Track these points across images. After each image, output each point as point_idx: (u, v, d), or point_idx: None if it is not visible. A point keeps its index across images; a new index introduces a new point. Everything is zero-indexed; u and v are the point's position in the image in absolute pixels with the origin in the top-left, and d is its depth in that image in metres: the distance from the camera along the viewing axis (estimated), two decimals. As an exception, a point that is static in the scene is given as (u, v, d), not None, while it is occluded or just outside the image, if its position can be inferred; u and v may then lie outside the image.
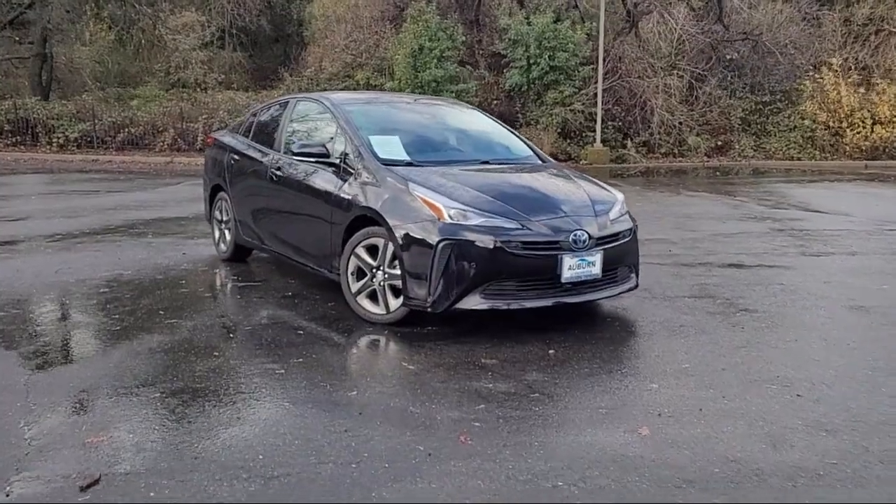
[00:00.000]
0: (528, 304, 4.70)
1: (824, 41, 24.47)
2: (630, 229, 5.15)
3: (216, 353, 4.43)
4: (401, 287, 4.85)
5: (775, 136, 22.53)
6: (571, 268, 4.67)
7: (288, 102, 6.52)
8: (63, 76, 26.73)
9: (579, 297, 4.82)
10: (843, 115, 21.49)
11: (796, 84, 23.12)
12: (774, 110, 22.99)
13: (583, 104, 21.60)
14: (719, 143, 22.43)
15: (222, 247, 7.26)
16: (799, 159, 21.46)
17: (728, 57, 24.13)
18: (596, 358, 4.44)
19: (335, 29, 26.88)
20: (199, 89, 24.48)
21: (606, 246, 4.87)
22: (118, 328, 4.93)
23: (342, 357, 4.52)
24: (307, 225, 5.72)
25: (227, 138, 7.27)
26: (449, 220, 4.60)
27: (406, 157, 5.39)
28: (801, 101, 22.63)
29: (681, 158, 21.56)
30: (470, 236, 4.54)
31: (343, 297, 5.29)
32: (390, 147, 5.45)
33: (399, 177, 5.01)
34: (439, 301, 4.61)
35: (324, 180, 5.49)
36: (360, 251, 5.07)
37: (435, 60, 20.77)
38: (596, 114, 20.98)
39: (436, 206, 4.68)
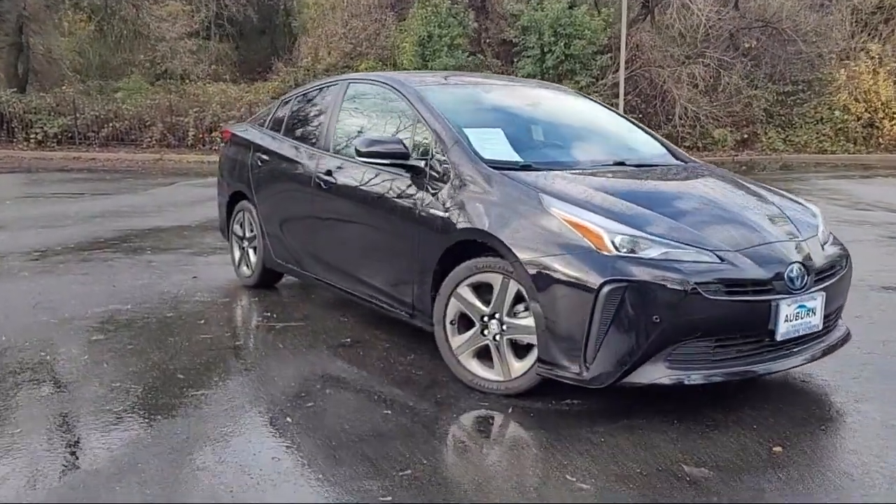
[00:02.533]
0: (730, 374, 3.23)
1: (833, 30, 23.16)
2: (845, 257, 3.71)
3: (275, 458, 2.93)
4: (528, 344, 3.39)
5: (802, 127, 21.23)
6: (788, 318, 3.22)
7: (337, 87, 4.99)
8: (41, 67, 24.91)
9: (797, 358, 3.37)
10: (878, 106, 20.16)
11: (819, 74, 21.80)
12: (798, 101, 21.67)
13: (600, 95, 20.13)
14: (745, 136, 21.10)
15: (245, 270, 5.75)
16: (833, 152, 20.15)
17: (746, 45, 22.84)
18: (849, 455, 2.99)
19: (330, 17, 25.35)
20: (186, 81, 22.83)
21: (826, 283, 3.42)
22: (119, 409, 3.41)
23: (466, 463, 3.02)
24: (375, 249, 4.24)
25: (251, 133, 5.74)
26: (615, 252, 3.12)
27: (517, 158, 3.91)
28: (826, 92, 21.30)
29: (706, 153, 20.16)
30: (650, 275, 3.06)
31: (428, 345, 3.84)
32: (493, 144, 3.97)
33: (524, 186, 3.53)
34: (601, 372, 3.13)
35: (401, 189, 4.01)
36: (465, 291, 3.59)
37: (445, 49, 19.29)
38: (617, 105, 19.51)
39: (591, 229, 3.20)
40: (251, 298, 5.44)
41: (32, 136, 19.59)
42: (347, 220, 4.47)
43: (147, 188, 12.52)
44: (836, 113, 20.69)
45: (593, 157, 4.21)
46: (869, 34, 23.62)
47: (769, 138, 20.78)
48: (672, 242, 3.18)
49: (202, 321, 4.83)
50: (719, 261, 3.16)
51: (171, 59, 23.40)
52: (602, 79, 20.80)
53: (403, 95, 4.30)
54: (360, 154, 4.03)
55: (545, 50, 20.40)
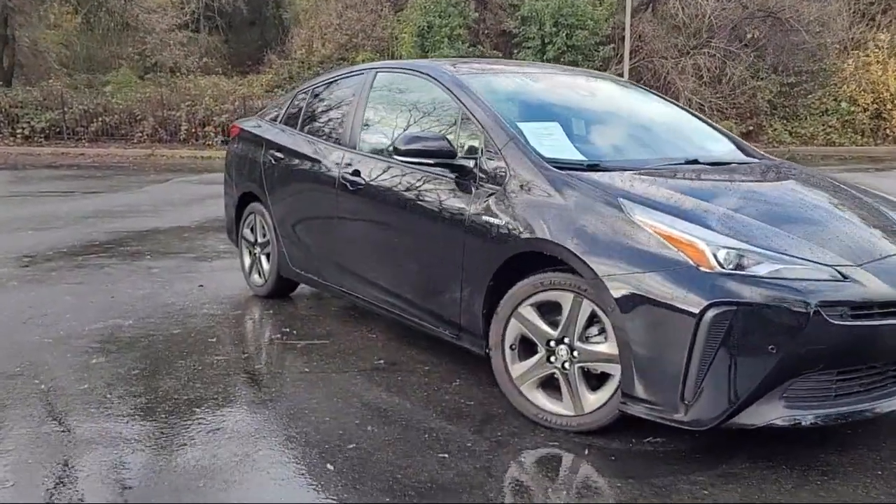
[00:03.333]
0: (852, 414, 2.75)
1: (835, 20, 22.75)
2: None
3: (322, 520, 2.44)
4: (602, 373, 2.92)
5: (807, 119, 20.83)
6: (921, 345, 2.74)
7: (361, 77, 4.47)
8: (26, 61, 24.24)
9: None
10: (887, 97, 19.76)
11: (823, 64, 21.39)
12: (803, 92, 21.26)
13: (605, 87, 19.61)
14: (749, 127, 20.68)
15: (256, 278, 5.24)
16: (841, 144, 19.73)
17: (749, 35, 22.44)
18: None
19: (324, 8, 24.78)
20: (177, 74, 22.21)
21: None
22: (129, 460, 2.90)
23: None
24: (413, 260, 3.74)
25: (262, 129, 5.23)
26: (719, 269, 2.63)
27: (580, 157, 3.42)
28: (831, 83, 20.89)
29: (712, 145, 19.67)
30: (763, 296, 2.58)
31: (473, 369, 3.38)
32: (552, 140, 3.48)
33: (599, 190, 3.04)
34: (704, 412, 2.64)
35: (446, 193, 3.51)
36: (528, 312, 3.10)
37: (446, 40, 18.74)
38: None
39: (689, 241, 2.71)
40: (265, 311, 4.93)
41: (19, 131, 18.96)
42: (380, 227, 3.97)
43: (140, 185, 11.96)
44: (843, 104, 20.29)
45: (661, 154, 3.72)
46: (867, 24, 23.25)
47: (775, 130, 20.37)
48: (785, 256, 2.69)
49: (213, 339, 4.32)
50: (841, 278, 2.68)
51: (161, 52, 22.76)
52: (605, 70, 20.30)
53: (443, 86, 3.79)
54: (398, 153, 3.52)
55: (546, 41, 19.90)
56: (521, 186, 3.21)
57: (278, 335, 4.42)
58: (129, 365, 3.86)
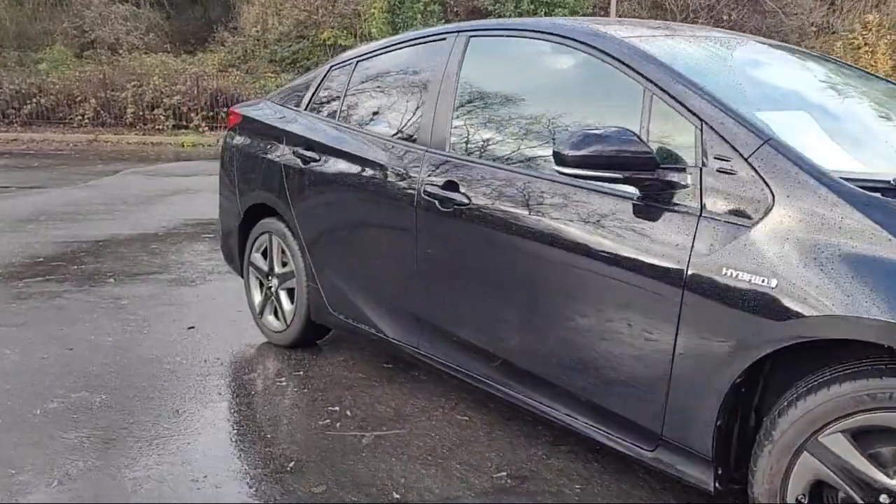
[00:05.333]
0: None
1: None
2: None
3: None
4: None
5: (791, 105, 19.97)
6: None
7: (443, 43, 3.05)
8: (-52, 36, 21.92)
9: None
10: (876, 81, 19.01)
11: (801, 48, 20.57)
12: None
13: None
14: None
15: (272, 321, 3.83)
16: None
17: (725, 17, 21.70)
18: None
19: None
20: (118, 52, 20.21)
21: None
22: None
23: None
24: (570, 326, 2.40)
25: (279, 116, 3.80)
26: None
27: (873, 170, 2.13)
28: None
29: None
30: None
31: (644, 482, 2.08)
32: (811, 141, 2.16)
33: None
34: None
35: (637, 226, 2.19)
36: (839, 444, 1.81)
37: (419, 15, 17.26)
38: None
39: None
40: (292, 370, 3.53)
41: (-61, 113, 16.87)
42: (501, 269, 2.61)
43: (87, 178, 10.27)
44: (829, 89, 19.47)
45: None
46: (829, 7, 22.56)
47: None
48: None
49: (232, 430, 2.91)
50: None
51: (102, 27, 20.73)
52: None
53: (608, 55, 2.43)
54: (565, 162, 2.17)
55: (524, 19, 18.57)
56: (803, 221, 1.89)
57: (328, 420, 3.02)
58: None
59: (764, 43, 3.14)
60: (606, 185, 2.25)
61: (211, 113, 17.03)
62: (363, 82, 3.47)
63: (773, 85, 2.66)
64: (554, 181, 2.41)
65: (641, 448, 2.26)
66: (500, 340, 2.65)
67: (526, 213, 2.47)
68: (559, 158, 2.18)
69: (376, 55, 3.47)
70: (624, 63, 2.37)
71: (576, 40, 2.55)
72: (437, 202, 2.77)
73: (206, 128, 16.87)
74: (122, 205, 8.10)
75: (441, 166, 2.82)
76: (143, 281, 5.03)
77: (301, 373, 3.51)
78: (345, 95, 3.49)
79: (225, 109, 17.00)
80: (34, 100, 17.13)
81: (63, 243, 6.07)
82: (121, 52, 20.08)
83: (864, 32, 19.23)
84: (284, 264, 3.71)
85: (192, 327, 4.09)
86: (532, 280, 2.48)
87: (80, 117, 17.00)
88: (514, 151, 2.65)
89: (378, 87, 3.40)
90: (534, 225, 2.44)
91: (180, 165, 12.22)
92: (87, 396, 3.19)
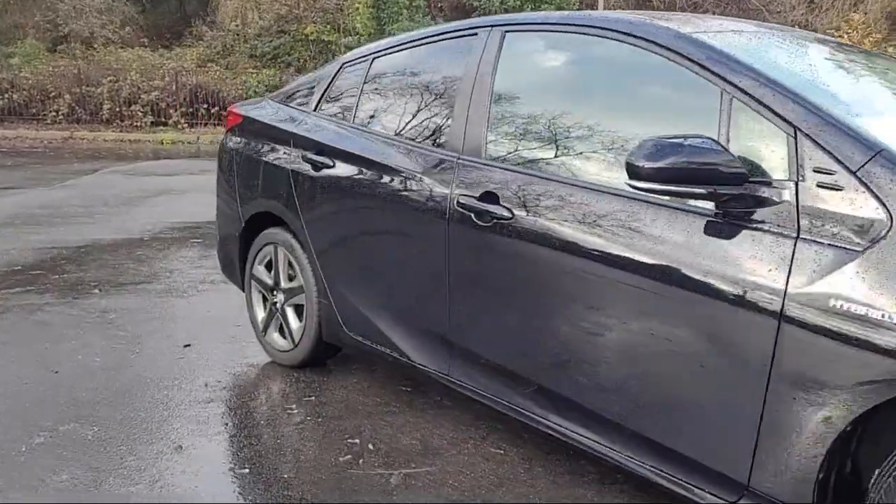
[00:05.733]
0: None
1: None
2: None
3: None
4: None
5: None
6: None
7: (475, 39, 2.76)
8: (-85, 29, 21.22)
9: None
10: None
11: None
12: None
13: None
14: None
15: (278, 339, 3.53)
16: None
17: (710, 14, 21.64)
18: None
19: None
20: (93, 46, 19.67)
21: None
22: None
23: None
24: (634, 359, 2.13)
25: (285, 117, 3.49)
26: None
27: None
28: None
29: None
30: None
31: None
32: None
33: None
34: None
35: (724, 251, 1.91)
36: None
37: (404, 11, 16.93)
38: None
39: None
40: (302, 395, 3.24)
41: None
42: (548, 293, 2.33)
43: (63, 178, 9.85)
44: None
45: None
46: (808, 5, 22.58)
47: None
48: None
49: (247, 468, 2.61)
50: None
51: (77, 20, 20.18)
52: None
53: (678, 54, 2.15)
54: (639, 175, 1.90)
55: (510, 15, 18.30)
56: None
57: (350, 455, 2.73)
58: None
59: (828, 41, 2.88)
60: (677, 200, 1.98)
61: (191, 109, 16.60)
62: (380, 81, 3.17)
63: (860, 88, 2.40)
64: (615, 195, 2.14)
65: (721, 499, 1.99)
66: (547, 369, 2.37)
67: (581, 230, 2.19)
68: (632, 170, 1.91)
69: (394, 51, 3.18)
70: (698, 63, 2.10)
71: (635, 36, 2.28)
72: (472, 215, 2.49)
73: (186, 125, 16.45)
74: (102, 206, 7.72)
75: (476, 175, 2.54)
76: (131, 292, 4.69)
77: (313, 398, 3.21)
78: (359, 95, 3.20)
79: (205, 106, 16.59)
80: (6, 95, 16.62)
81: (42, 249, 5.71)
82: (95, 46, 19.56)
83: (848, 31, 19.18)
84: (291, 278, 3.41)
85: (189, 345, 3.78)
86: (587, 307, 2.21)
87: (54, 113, 16.51)
88: (563, 162, 2.37)
89: (398, 86, 3.11)
90: (588, 244, 2.16)
91: (161, 164, 11.82)
92: (77, 429, 2.87)
